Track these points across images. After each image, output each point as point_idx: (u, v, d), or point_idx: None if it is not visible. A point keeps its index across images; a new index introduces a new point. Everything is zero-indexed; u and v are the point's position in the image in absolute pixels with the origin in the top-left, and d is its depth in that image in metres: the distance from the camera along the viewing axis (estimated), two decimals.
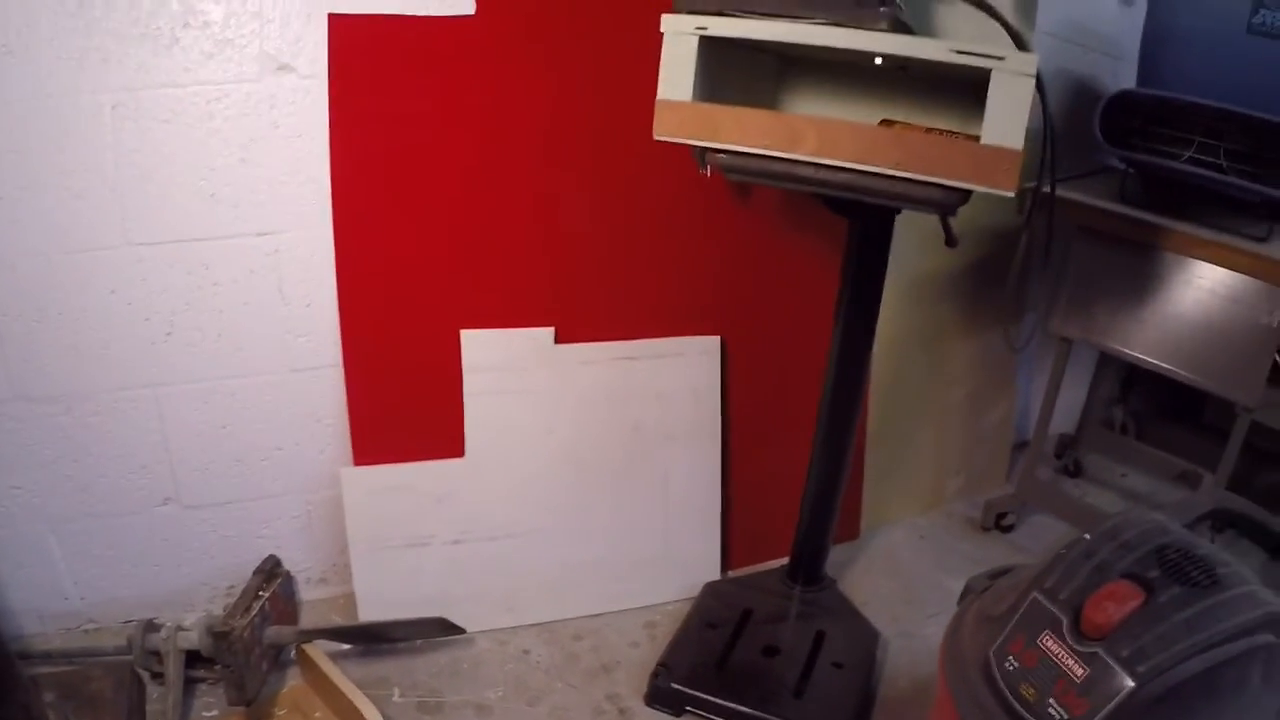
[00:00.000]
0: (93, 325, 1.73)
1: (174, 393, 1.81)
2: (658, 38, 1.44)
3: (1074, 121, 2.43)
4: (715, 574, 2.09)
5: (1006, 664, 1.24)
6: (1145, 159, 2.05)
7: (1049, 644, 1.21)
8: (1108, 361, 2.71)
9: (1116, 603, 1.17)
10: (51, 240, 1.67)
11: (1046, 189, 1.66)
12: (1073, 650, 1.18)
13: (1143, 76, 2.24)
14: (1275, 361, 1.98)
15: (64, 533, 1.83)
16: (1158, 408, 2.93)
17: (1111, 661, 1.13)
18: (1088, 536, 1.32)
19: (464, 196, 1.83)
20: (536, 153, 1.85)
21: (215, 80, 1.68)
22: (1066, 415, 2.78)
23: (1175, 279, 2.10)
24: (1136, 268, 2.13)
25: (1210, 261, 2.03)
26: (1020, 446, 2.79)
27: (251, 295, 1.79)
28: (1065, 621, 1.21)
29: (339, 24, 1.69)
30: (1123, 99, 2.07)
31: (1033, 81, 1.30)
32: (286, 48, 1.69)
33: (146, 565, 1.89)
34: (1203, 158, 1.98)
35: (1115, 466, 2.81)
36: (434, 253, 1.84)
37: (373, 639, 1.83)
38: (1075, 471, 2.76)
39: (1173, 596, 1.17)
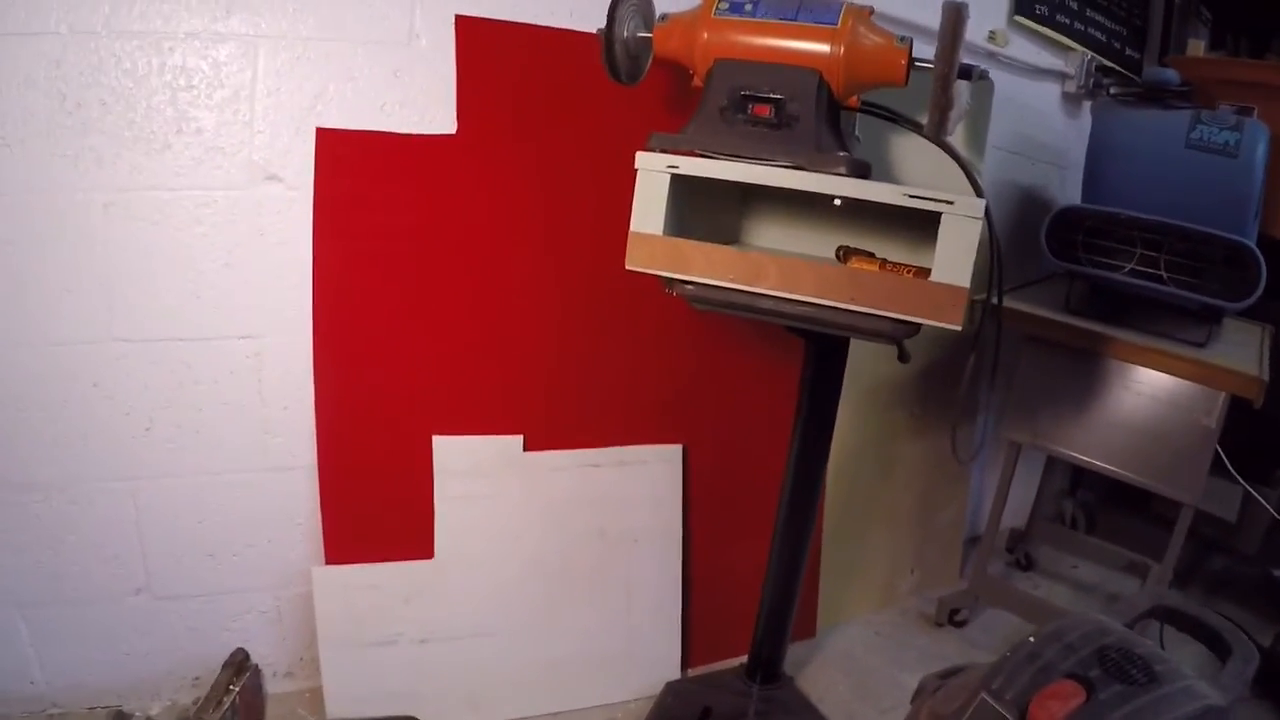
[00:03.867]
0: (74, 417, 1.75)
1: (150, 486, 1.83)
2: (628, 163, 1.51)
3: (1022, 230, 2.54)
4: (675, 673, 2.13)
5: None
6: (1089, 271, 2.15)
7: None
8: (1056, 459, 2.80)
9: (1060, 701, 1.26)
10: (37, 332, 1.70)
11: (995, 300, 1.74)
12: None
13: (1087, 190, 2.34)
14: (1217, 451, 2.07)
15: (33, 618, 1.83)
16: (1106, 500, 3.01)
17: None
18: (1032, 639, 1.40)
19: (440, 307, 1.89)
20: (511, 265, 1.92)
21: (204, 186, 1.73)
22: (1017, 510, 2.84)
23: (1118, 384, 2.19)
24: (1081, 374, 2.22)
25: (1152, 367, 2.13)
26: (972, 541, 2.85)
27: (231, 395, 1.83)
28: None
29: (326, 138, 1.76)
30: (1067, 215, 2.17)
31: (980, 224, 1.39)
32: (275, 158, 1.75)
33: (115, 653, 1.89)
34: (1143, 269, 2.09)
35: (1066, 558, 2.88)
36: (409, 360, 1.89)
37: None
38: (1027, 565, 2.82)
39: (1113, 694, 1.26)
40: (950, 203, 1.40)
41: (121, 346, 1.75)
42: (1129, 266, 2.12)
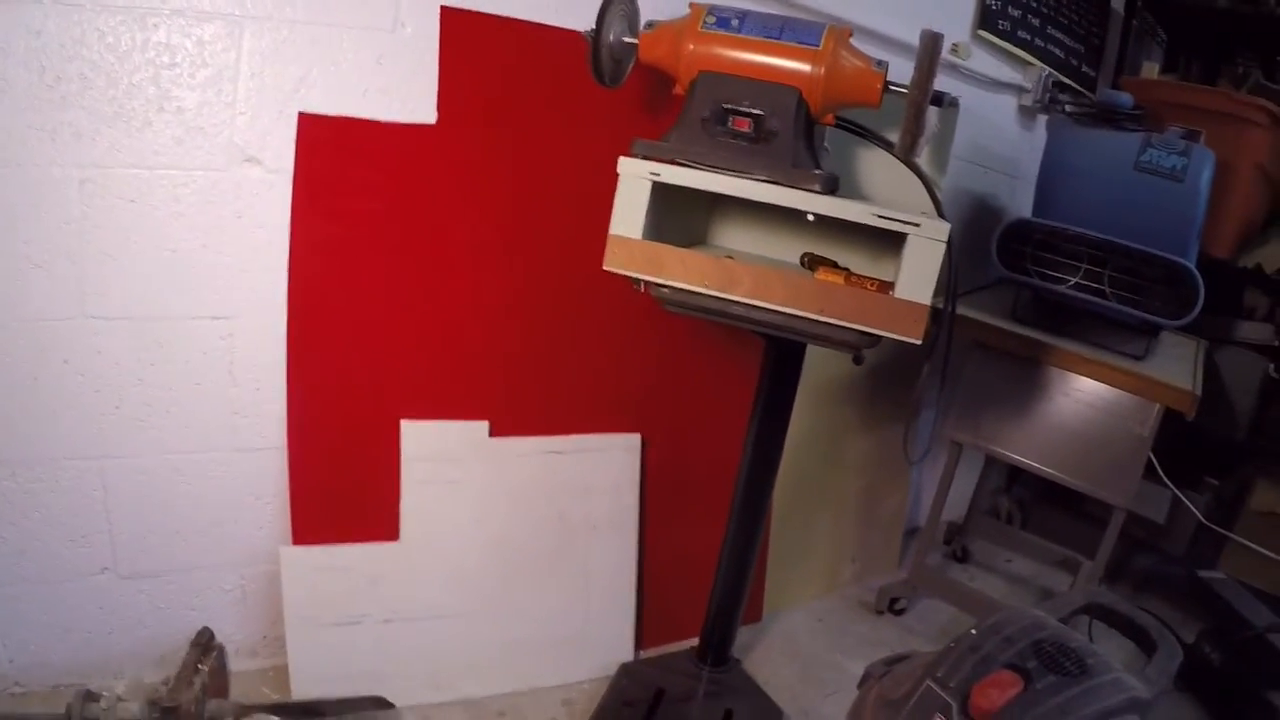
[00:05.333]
0: (43, 394, 1.73)
1: (119, 465, 1.82)
2: (603, 162, 1.56)
3: (973, 237, 2.62)
4: (629, 654, 2.18)
5: None
6: (1037, 283, 2.23)
7: None
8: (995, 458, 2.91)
9: (999, 690, 1.35)
10: (6, 307, 1.67)
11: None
12: None
13: (1038, 204, 2.42)
14: (1149, 457, 2.17)
15: None
16: (1040, 498, 3.13)
17: None
18: (974, 631, 1.50)
19: (413, 293, 1.91)
20: (483, 255, 1.95)
21: (184, 166, 1.72)
22: (954, 504, 2.91)
23: (1059, 391, 2.29)
24: (1024, 380, 2.31)
25: (1092, 377, 2.23)
26: (911, 533, 2.95)
27: (203, 375, 1.83)
28: (954, 706, 1.38)
29: (308, 123, 1.76)
30: (1017, 227, 2.25)
31: (944, 246, 1.47)
32: (255, 140, 1.75)
33: (79, 631, 1.87)
34: (1088, 283, 2.17)
35: (1000, 552, 2.99)
36: (380, 345, 1.91)
37: (309, 714, 1.85)
38: (963, 557, 2.92)
39: (1048, 684, 1.36)
40: (917, 225, 1.47)
41: (94, 324, 1.74)
42: (1074, 280, 2.20)
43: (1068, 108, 2.93)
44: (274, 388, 1.87)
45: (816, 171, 1.53)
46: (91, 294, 1.73)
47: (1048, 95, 2.91)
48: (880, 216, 1.49)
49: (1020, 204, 2.83)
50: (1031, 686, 1.36)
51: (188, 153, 1.72)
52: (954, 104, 1.73)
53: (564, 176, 1.96)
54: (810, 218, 1.54)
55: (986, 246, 2.26)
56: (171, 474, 1.87)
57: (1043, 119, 2.97)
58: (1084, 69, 3.11)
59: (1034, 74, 2.87)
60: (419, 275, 1.91)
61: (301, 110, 1.76)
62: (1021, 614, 1.56)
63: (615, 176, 1.56)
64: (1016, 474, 3.12)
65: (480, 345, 2.00)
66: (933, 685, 1.43)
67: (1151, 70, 3.25)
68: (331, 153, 1.80)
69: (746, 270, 1.53)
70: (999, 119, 2.87)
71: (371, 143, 1.81)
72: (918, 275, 1.48)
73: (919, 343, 1.49)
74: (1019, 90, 2.89)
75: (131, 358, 1.78)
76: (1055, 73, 2.93)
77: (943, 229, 1.47)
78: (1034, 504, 3.13)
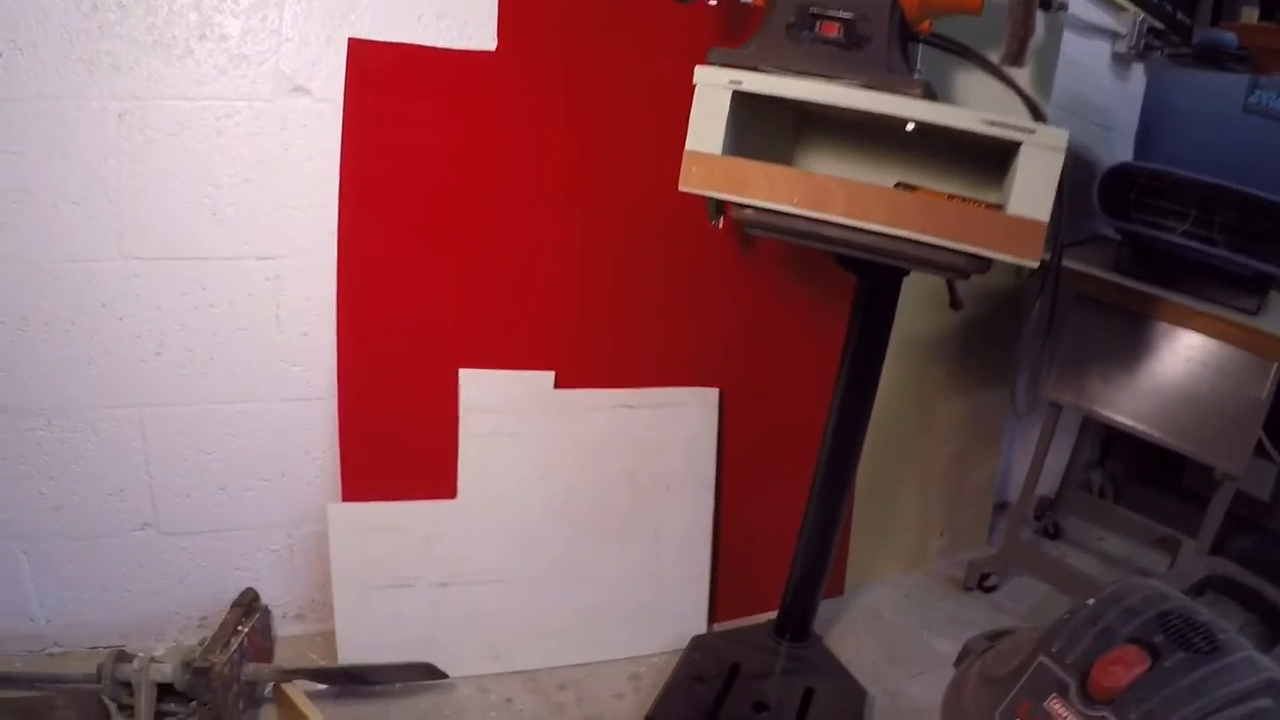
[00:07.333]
0: (79, 339, 1.68)
1: (159, 414, 1.76)
2: (680, 89, 1.43)
3: (1068, 190, 2.47)
4: (701, 627, 2.07)
5: None
6: (1141, 230, 2.08)
7: (1056, 707, 1.22)
8: (1088, 426, 2.74)
9: (1124, 667, 1.20)
10: (43, 247, 1.63)
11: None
12: (1080, 714, 1.19)
13: (1139, 150, 2.28)
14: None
15: (34, 551, 1.77)
16: (1136, 472, 2.96)
17: None
18: (1091, 602, 1.34)
19: (472, 234, 1.81)
20: (548, 195, 1.84)
21: (227, 96, 1.66)
22: (1045, 478, 2.79)
23: (1167, 348, 2.14)
24: (1129, 336, 2.17)
25: (1202, 332, 2.08)
26: (999, 508, 2.80)
27: (248, 320, 1.76)
28: (1073, 685, 1.23)
29: (359, 50, 1.67)
30: (1121, 171, 2.10)
31: (1063, 156, 1.32)
32: (303, 69, 1.68)
33: (118, 591, 1.82)
34: (1197, 231, 2.02)
35: (1093, 530, 2.83)
36: (437, 288, 1.82)
37: (354, 681, 1.78)
38: (1054, 534, 2.77)
39: (1177, 661, 1.20)
40: (1032, 131, 1.32)
41: (133, 265, 1.68)
42: (1182, 228, 2.05)
43: (1165, 52, 2.74)
44: (323, 333, 1.79)
45: (916, 77, 1.38)
46: (130, 233, 1.67)
47: (1142, 41, 2.74)
48: (991, 123, 1.32)
49: (1116, 156, 2.66)
50: (1159, 664, 1.20)
51: (231, 82, 1.66)
52: (1063, 7, 1.58)
53: (635, 107, 1.83)
54: (909, 127, 1.39)
55: (1080, 200, 2.10)
56: (215, 425, 1.80)
57: (1138, 68, 2.80)
58: (1179, 16, 2.92)
59: (1128, 19, 2.70)
60: (478, 213, 1.81)
61: (352, 36, 1.68)
62: (1142, 584, 1.41)
63: (690, 106, 1.43)
64: (1110, 447, 2.96)
65: (545, 290, 1.89)
66: (1047, 661, 1.28)
67: (1251, 16, 3.04)
68: (384, 82, 1.70)
69: (841, 186, 1.38)
70: (1093, 65, 2.70)
71: (426, 71, 1.72)
72: (1034, 189, 1.33)
73: (1035, 265, 1.35)
74: (1113, 36, 2.72)
75: (172, 301, 1.72)
76: (1150, 18, 2.75)
77: (1060, 136, 1.32)
78: (1127, 480, 2.96)
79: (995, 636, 1.52)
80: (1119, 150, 2.57)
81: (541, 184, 1.83)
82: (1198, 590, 1.61)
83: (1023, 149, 1.32)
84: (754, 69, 1.40)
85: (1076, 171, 2.64)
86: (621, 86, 1.83)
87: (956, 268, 1.39)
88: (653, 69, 1.80)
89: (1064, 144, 1.31)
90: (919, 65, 1.59)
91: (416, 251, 1.79)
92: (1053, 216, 1.56)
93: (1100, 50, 2.73)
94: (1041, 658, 1.29)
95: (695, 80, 1.41)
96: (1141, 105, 2.30)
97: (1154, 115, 2.27)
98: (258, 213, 1.71)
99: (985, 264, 1.39)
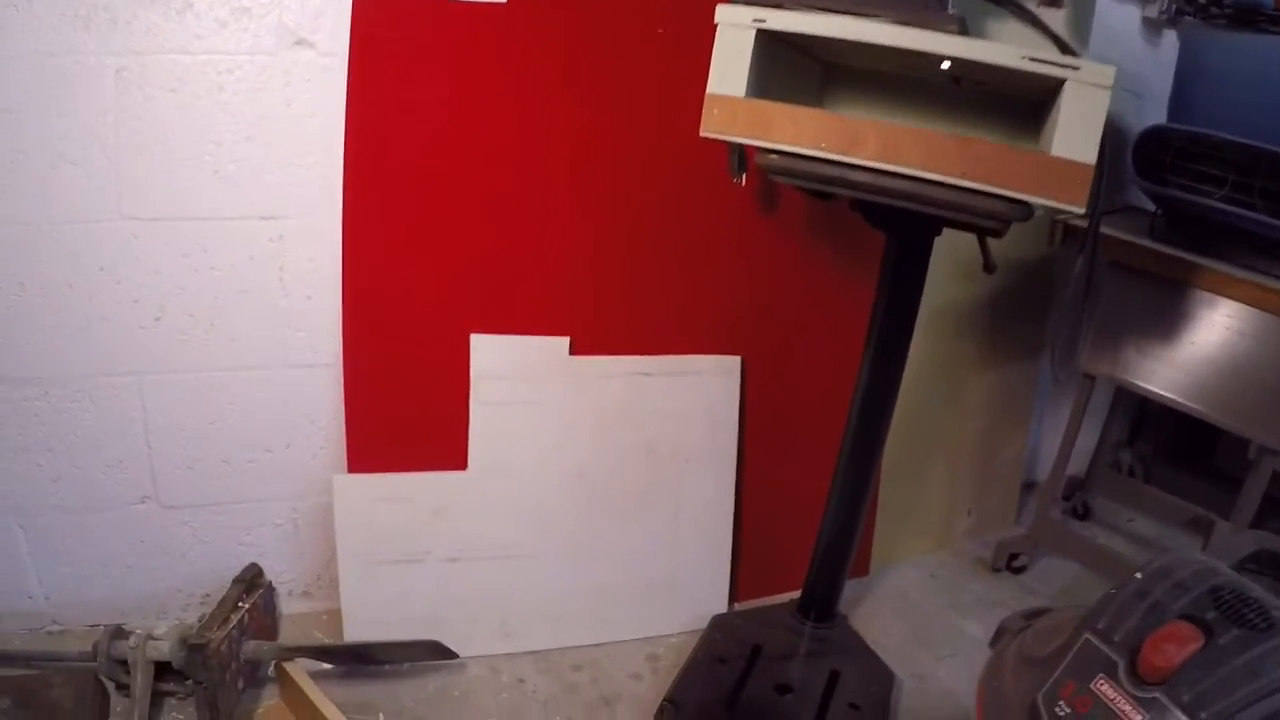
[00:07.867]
0: (77, 303, 1.64)
1: (159, 382, 1.71)
2: (699, 42, 1.37)
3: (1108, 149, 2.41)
4: (722, 606, 2.00)
5: (1057, 709, 1.18)
6: (1178, 195, 2.01)
7: (1104, 688, 1.15)
8: (1118, 404, 2.66)
9: (1177, 645, 1.13)
10: (40, 208, 1.58)
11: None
12: (1130, 695, 1.12)
13: (1173, 115, 2.22)
14: None
15: (32, 526, 1.72)
16: (1166, 452, 2.88)
17: (1173, 706, 1.09)
18: (1139, 575, 1.27)
19: (483, 193, 1.75)
20: (561, 150, 1.77)
21: (228, 50, 1.60)
22: (1074, 458, 2.72)
23: (1205, 318, 2.05)
24: (1166, 305, 2.09)
25: (1241, 301, 1.99)
26: (1027, 488, 2.73)
27: (250, 283, 1.71)
28: (1121, 664, 1.16)
29: (364, 1, 1.60)
30: (1157, 133, 2.04)
31: (1108, 94, 1.25)
32: (306, 21, 1.62)
33: (118, 566, 1.78)
34: (1236, 195, 1.94)
35: (1123, 510, 2.74)
36: (447, 251, 1.76)
37: (359, 660, 1.72)
38: (1084, 514, 2.69)
39: (1232, 639, 1.13)
40: (1076, 68, 1.24)
41: (131, 225, 1.63)
42: (1221, 193, 1.97)
43: (1200, 15, 2.66)
44: (328, 297, 1.74)
45: (952, 13, 1.30)
46: (128, 192, 1.62)
47: (1174, 6, 2.65)
48: (1034, 59, 1.25)
49: (1148, 124, 2.58)
50: (1214, 642, 1.13)
51: (232, 36, 1.61)
52: None
53: (654, 59, 1.76)
54: (945, 65, 1.31)
55: (1113, 168, 2.02)
56: (216, 393, 1.75)
57: (1169, 34, 2.72)
58: None
59: None
60: (488, 171, 1.74)
61: None
62: (1190, 558, 1.33)
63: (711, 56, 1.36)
64: (1140, 427, 2.88)
65: (559, 253, 1.82)
66: (1093, 639, 1.21)
67: None
68: (391, 34, 1.64)
69: (873, 128, 1.30)
70: (1123, 30, 2.62)
71: (435, 23, 1.65)
72: (1078, 129, 1.26)
73: (1081, 210, 1.27)
74: (1143, 1, 2.63)
75: (172, 263, 1.67)
76: None
77: (1107, 73, 1.25)
78: (1156, 460, 2.88)
79: (1033, 615, 1.45)
80: (1150, 118, 2.48)
81: (555, 139, 1.76)
82: (1245, 565, 1.54)
83: (1066, 86, 1.25)
84: (778, 6, 1.33)
85: (1109, 139, 2.57)
86: (639, 37, 1.75)
87: (997, 215, 1.31)
88: (673, 18, 1.73)
89: (1110, 80, 1.24)
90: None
91: (425, 211, 1.73)
92: (1096, 174, 1.50)
93: (1131, 15, 2.65)
94: (1086, 635, 1.21)
95: (717, 19, 1.35)
96: (1175, 69, 2.24)
97: (1189, 78, 2.21)
98: (260, 171, 1.66)
99: (1028, 212, 1.31)
